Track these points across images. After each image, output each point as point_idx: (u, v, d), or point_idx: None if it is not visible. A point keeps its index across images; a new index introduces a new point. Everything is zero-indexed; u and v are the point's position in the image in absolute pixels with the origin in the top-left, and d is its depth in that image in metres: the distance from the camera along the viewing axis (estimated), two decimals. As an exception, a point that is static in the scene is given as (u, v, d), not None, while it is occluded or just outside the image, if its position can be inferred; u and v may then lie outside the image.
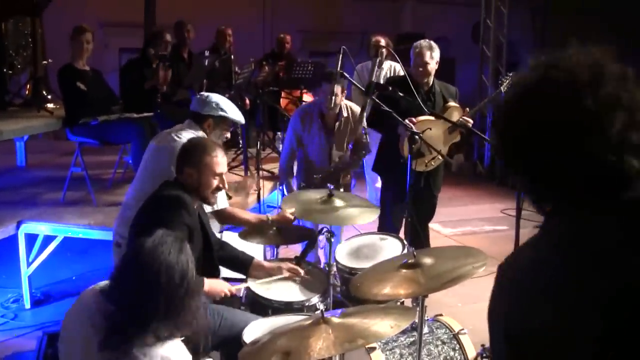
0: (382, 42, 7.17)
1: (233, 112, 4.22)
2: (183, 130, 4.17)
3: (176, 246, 2.35)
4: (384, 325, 2.43)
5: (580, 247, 1.28)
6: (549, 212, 1.43)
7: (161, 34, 6.91)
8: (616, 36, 8.09)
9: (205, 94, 4.33)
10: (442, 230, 7.79)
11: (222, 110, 4.16)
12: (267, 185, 6.48)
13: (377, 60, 5.40)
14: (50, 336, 4.56)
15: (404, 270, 3.05)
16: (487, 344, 3.53)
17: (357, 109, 5.36)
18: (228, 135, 4.39)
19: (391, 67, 6.88)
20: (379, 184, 7.52)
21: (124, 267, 2.36)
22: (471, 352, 3.58)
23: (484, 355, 3.52)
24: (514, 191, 9.86)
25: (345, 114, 5.42)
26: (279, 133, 8.35)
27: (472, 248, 3.26)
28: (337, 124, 5.38)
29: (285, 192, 5.66)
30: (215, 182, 3.47)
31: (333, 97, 5.20)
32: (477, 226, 8.27)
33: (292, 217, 4.13)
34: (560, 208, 1.41)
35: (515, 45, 11.49)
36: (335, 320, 2.52)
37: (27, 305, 5.41)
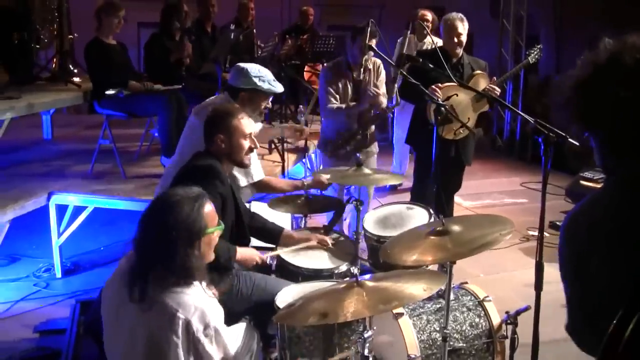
0: (429, 16, 7.19)
1: (267, 83, 4.11)
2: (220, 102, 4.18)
3: (194, 201, 2.50)
4: (417, 288, 2.50)
5: None
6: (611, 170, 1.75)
7: (179, 6, 6.90)
8: (636, 7, 8.05)
9: (242, 65, 4.20)
10: (462, 202, 7.81)
11: (255, 82, 4.07)
12: (290, 157, 6.53)
13: (407, 33, 5.43)
14: (83, 304, 4.72)
15: (432, 237, 3.11)
16: (511, 311, 3.61)
17: (379, 62, 5.40)
18: (267, 105, 4.30)
19: (432, 43, 6.88)
20: (405, 158, 7.61)
21: (144, 220, 2.53)
22: (496, 318, 3.65)
23: (508, 321, 3.59)
24: (533, 165, 9.99)
25: (370, 67, 5.41)
26: (301, 106, 8.36)
27: (499, 216, 3.30)
28: (363, 76, 5.38)
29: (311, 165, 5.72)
30: (246, 144, 3.53)
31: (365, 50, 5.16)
32: (497, 199, 8.28)
33: (326, 181, 4.19)
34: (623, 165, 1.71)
35: (534, 18, 11.40)
36: (369, 283, 2.59)
37: (58, 275, 5.53)
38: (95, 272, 5.67)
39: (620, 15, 9.22)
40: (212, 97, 4.37)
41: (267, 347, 3.79)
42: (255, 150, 3.67)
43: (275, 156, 6.43)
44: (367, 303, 2.44)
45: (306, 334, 3.11)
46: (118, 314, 2.51)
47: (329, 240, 3.90)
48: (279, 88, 4.19)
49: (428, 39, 6.96)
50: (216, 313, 2.45)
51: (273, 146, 6.59)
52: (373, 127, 5.53)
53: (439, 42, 6.54)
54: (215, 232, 2.58)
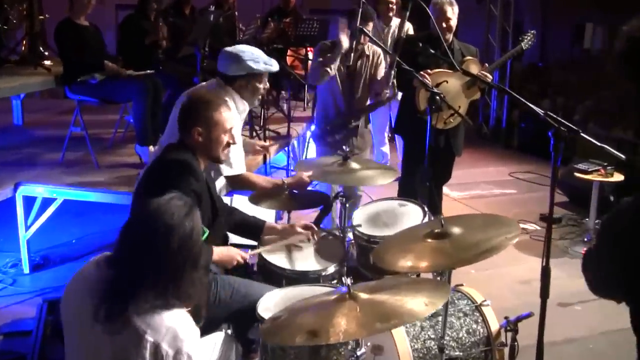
0: None
1: (262, 63, 3.83)
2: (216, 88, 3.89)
3: (183, 210, 2.19)
4: (418, 303, 2.21)
5: None
6: None
7: None
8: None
9: (230, 49, 3.90)
10: (450, 193, 7.58)
11: (250, 66, 3.79)
12: (272, 146, 6.25)
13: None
14: (51, 303, 4.39)
15: (430, 240, 2.85)
16: (510, 315, 3.37)
17: (379, 52, 5.10)
18: (265, 87, 4.02)
19: (399, 25, 6.60)
20: (385, 148, 7.36)
21: (126, 227, 2.22)
22: (494, 324, 3.41)
23: (508, 328, 3.35)
24: (520, 154, 9.81)
25: (368, 54, 5.12)
26: (283, 92, 8.09)
27: (502, 217, 3.06)
28: (358, 62, 5.08)
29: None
30: (225, 139, 3.25)
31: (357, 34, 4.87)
32: (485, 189, 8.10)
33: (308, 180, 3.92)
34: None
35: (520, 4, 11.18)
36: (362, 295, 2.31)
37: (26, 270, 5.23)
38: (66, 267, 5.39)
39: (606, 2, 9.03)
40: (205, 83, 4.05)
41: (248, 353, 3.57)
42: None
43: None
44: (361, 320, 2.16)
45: (291, 347, 2.82)
46: (81, 330, 2.21)
47: (315, 228, 3.62)
48: (275, 66, 3.94)
49: (394, 21, 6.70)
50: (190, 336, 2.14)
51: (255, 134, 6.30)
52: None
53: (407, 24, 6.30)
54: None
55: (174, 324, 2.09)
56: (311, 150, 7.26)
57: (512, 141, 10.49)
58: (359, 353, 2.31)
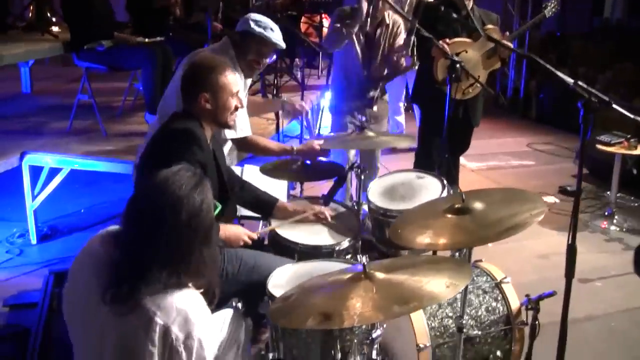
0: None
1: (276, 37, 3.76)
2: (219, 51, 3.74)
3: (191, 181, 2.03)
4: (439, 284, 2.06)
5: None
6: None
7: None
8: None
9: (255, 15, 3.80)
10: (467, 164, 7.41)
11: (265, 34, 3.70)
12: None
13: None
14: (57, 275, 4.32)
15: (450, 216, 2.70)
16: (530, 293, 3.23)
17: (399, 22, 4.90)
18: (264, 62, 3.91)
19: None
20: (401, 117, 7.20)
21: (131, 202, 2.06)
22: (514, 302, 3.28)
23: (529, 306, 3.21)
24: (539, 124, 9.61)
25: (388, 22, 4.92)
26: (297, 60, 7.91)
27: (527, 192, 2.90)
28: (377, 31, 4.90)
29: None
30: (233, 102, 3.10)
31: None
32: (503, 160, 7.92)
33: (318, 147, 3.77)
34: None
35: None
36: (379, 275, 2.16)
37: (34, 241, 5.12)
38: (74, 237, 5.28)
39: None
40: (212, 45, 3.89)
41: (258, 328, 3.45)
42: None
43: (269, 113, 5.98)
44: (378, 303, 2.02)
45: (303, 324, 2.69)
46: (85, 310, 2.07)
47: (328, 212, 3.46)
48: (283, 45, 3.84)
49: None
50: (202, 319, 1.99)
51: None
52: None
53: None
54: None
55: (186, 306, 1.95)
56: (325, 119, 7.09)
57: (530, 112, 10.29)
58: (374, 335, 2.17)
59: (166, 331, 1.91)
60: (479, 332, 3.14)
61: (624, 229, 5.74)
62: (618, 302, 4.51)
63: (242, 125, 3.70)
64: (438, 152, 4.91)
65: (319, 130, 7.06)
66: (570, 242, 2.79)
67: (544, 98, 9.98)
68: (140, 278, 1.93)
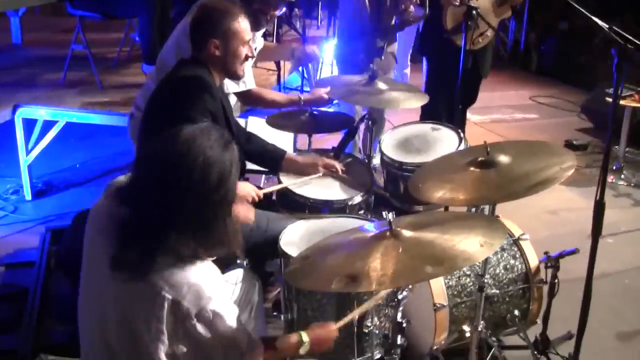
0: None
1: None
2: None
3: (221, 143, 1.82)
4: (472, 243, 1.91)
5: None
6: None
7: None
8: None
9: None
10: (470, 117, 7.21)
11: None
12: (286, 65, 5.90)
13: None
14: (54, 232, 4.19)
15: (474, 169, 2.54)
16: (543, 249, 3.11)
17: None
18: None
19: None
20: (407, 70, 6.99)
21: (147, 157, 1.84)
22: (533, 260, 3.15)
23: (548, 264, 3.09)
24: (540, 77, 9.43)
25: None
26: (296, 10, 7.66)
27: (554, 145, 2.74)
28: None
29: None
30: (244, 51, 2.91)
31: None
32: (506, 114, 7.75)
33: (326, 96, 3.59)
34: None
35: None
36: (406, 233, 2.00)
37: (28, 197, 4.95)
38: (70, 193, 5.12)
39: None
40: None
41: (265, 287, 3.33)
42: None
43: (270, 63, 5.79)
44: (407, 263, 1.86)
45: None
46: (92, 273, 1.92)
47: (338, 166, 3.30)
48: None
49: None
50: (216, 293, 1.80)
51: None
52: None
53: None
54: None
55: (198, 280, 1.76)
56: (326, 71, 6.89)
57: (530, 64, 10.08)
58: (400, 297, 2.03)
59: (176, 305, 1.73)
60: (497, 291, 3.03)
61: (632, 184, 5.61)
62: (630, 258, 4.40)
63: (245, 77, 3.51)
64: (445, 105, 4.76)
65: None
66: (598, 198, 2.66)
67: (546, 50, 9.78)
68: (155, 247, 1.73)
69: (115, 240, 1.78)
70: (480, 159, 2.55)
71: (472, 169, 2.55)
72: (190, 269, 1.76)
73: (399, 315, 2.05)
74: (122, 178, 1.92)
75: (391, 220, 2.00)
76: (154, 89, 3.01)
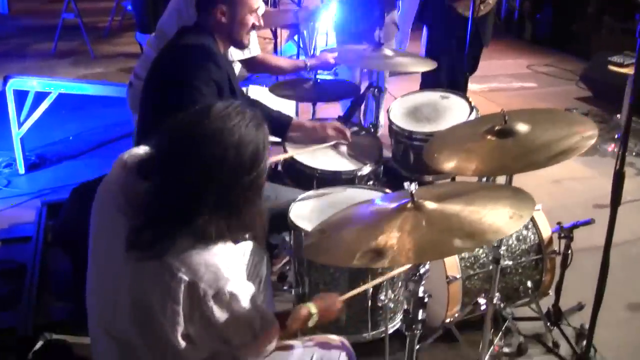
0: None
1: None
2: None
3: (255, 122, 1.71)
4: (500, 215, 1.81)
5: None
6: None
7: None
8: None
9: None
10: (469, 86, 7.12)
11: None
12: (282, 34, 5.78)
13: None
14: (50, 206, 4.07)
15: (492, 138, 2.45)
16: (564, 222, 3.03)
17: None
18: None
19: None
20: (406, 40, 6.90)
21: (176, 131, 1.70)
22: (546, 230, 3.08)
23: (561, 234, 3.02)
24: (536, 46, 9.33)
25: None
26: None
27: (574, 114, 2.66)
28: None
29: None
30: (251, 20, 2.79)
31: None
32: (504, 82, 7.64)
33: (333, 61, 3.48)
34: None
35: None
36: (429, 205, 1.91)
37: (22, 170, 4.83)
38: (64, 166, 5.00)
39: None
40: None
41: (270, 259, 3.24)
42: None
43: (266, 32, 5.66)
44: (434, 237, 1.76)
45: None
46: (102, 246, 1.81)
47: (347, 132, 3.20)
48: None
49: None
50: (235, 274, 1.71)
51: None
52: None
53: None
54: None
55: (216, 261, 1.66)
56: (321, 41, 6.76)
57: (524, 33, 9.97)
58: (422, 271, 1.94)
59: (192, 286, 1.63)
60: (510, 263, 2.96)
61: (634, 153, 5.53)
62: (637, 228, 4.33)
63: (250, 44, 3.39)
64: (445, 74, 4.66)
65: (313, 51, 6.75)
66: (618, 167, 2.58)
67: (541, 19, 9.66)
68: (178, 227, 1.63)
69: (133, 217, 1.66)
70: (497, 127, 2.45)
71: (489, 137, 2.45)
72: (210, 250, 1.66)
73: (421, 289, 1.96)
74: (137, 150, 1.81)
75: (413, 192, 1.90)
76: (154, 57, 2.89)
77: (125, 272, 1.68)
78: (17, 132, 4.74)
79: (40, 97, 4.75)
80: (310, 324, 2.01)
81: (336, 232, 2.02)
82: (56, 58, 5.19)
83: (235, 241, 1.74)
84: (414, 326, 2.03)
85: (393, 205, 1.97)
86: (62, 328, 3.02)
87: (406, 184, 1.92)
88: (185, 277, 1.62)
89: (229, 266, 1.68)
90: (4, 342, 3.01)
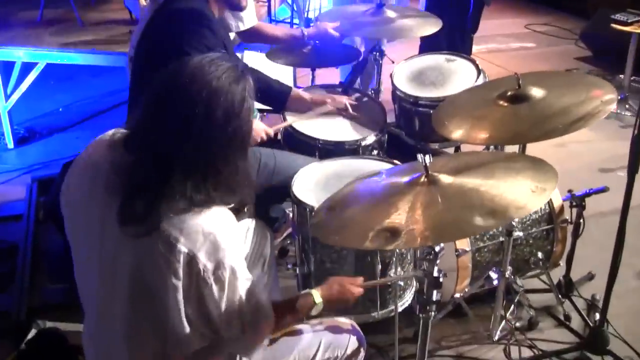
0: None
1: None
2: None
3: (232, 74, 1.58)
4: (521, 190, 1.69)
5: None
6: None
7: None
8: None
9: None
10: (466, 47, 6.98)
11: None
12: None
13: None
14: (41, 182, 3.94)
15: (504, 104, 2.31)
16: (575, 190, 2.92)
17: None
18: None
19: None
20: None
21: (149, 94, 1.61)
22: (557, 199, 2.95)
23: (573, 203, 2.90)
24: (534, 4, 9.13)
25: None
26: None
27: (591, 76, 2.52)
28: None
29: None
30: None
31: None
32: (502, 43, 7.47)
33: (335, 33, 3.31)
34: None
35: None
36: (444, 179, 1.78)
37: (10, 145, 4.69)
38: (55, 139, 4.86)
39: None
40: None
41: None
42: None
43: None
44: (452, 214, 1.64)
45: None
46: (91, 232, 1.67)
47: (348, 102, 3.06)
48: None
49: None
50: (233, 244, 1.61)
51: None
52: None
53: None
54: None
55: (214, 228, 1.55)
56: (313, 2, 6.56)
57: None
58: (437, 249, 1.82)
59: (191, 260, 1.53)
60: (520, 234, 2.83)
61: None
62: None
63: (247, 13, 3.22)
64: (445, 34, 4.51)
65: (307, 13, 6.54)
66: (636, 132, 2.45)
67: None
68: (159, 191, 1.53)
69: (120, 191, 1.56)
70: (510, 92, 2.32)
71: (501, 103, 2.32)
72: (205, 214, 1.56)
73: (436, 269, 1.84)
74: (120, 131, 1.71)
75: (427, 164, 1.77)
76: (144, 25, 2.73)
77: (122, 252, 1.58)
78: (4, 105, 4.60)
79: (27, 67, 4.59)
80: (314, 312, 1.88)
81: (345, 209, 1.90)
82: (43, 26, 5.00)
83: (227, 204, 1.63)
84: (428, 307, 1.91)
85: (405, 179, 1.84)
86: (58, 311, 2.92)
87: (419, 156, 1.79)
88: (184, 249, 1.52)
89: (227, 234, 1.58)
90: (-1, 327, 2.91)
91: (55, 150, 4.57)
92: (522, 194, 1.67)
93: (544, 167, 1.81)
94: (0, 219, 3.74)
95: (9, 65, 4.56)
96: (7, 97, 4.59)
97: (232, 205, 1.68)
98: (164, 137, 1.54)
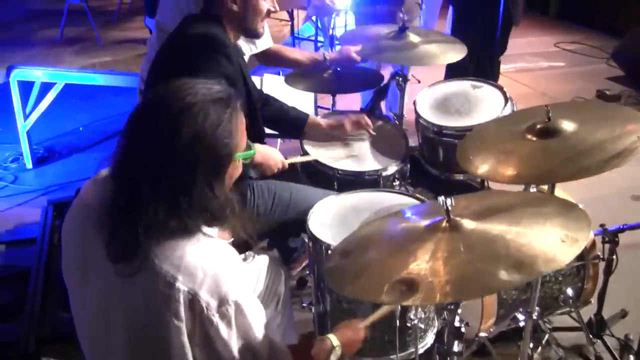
0: None
1: None
2: None
3: (213, 94, 1.53)
4: (551, 238, 1.55)
5: None
6: None
7: None
8: None
9: None
10: (494, 68, 6.84)
11: None
12: (299, 15, 5.53)
13: None
14: (57, 205, 3.89)
15: (533, 139, 2.17)
16: (606, 221, 2.77)
17: None
18: None
19: None
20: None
21: (128, 123, 1.55)
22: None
23: (605, 238, 2.75)
24: (561, 22, 8.98)
25: None
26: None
27: (624, 107, 2.37)
28: None
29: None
30: (266, 5, 2.54)
31: None
32: (531, 62, 7.33)
33: (357, 57, 3.21)
34: None
35: None
36: (467, 224, 1.65)
37: (29, 165, 4.67)
38: (74, 158, 4.84)
39: None
40: None
41: (288, 263, 3.09)
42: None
43: (282, 13, 5.42)
44: (474, 266, 1.50)
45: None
46: (86, 272, 1.59)
47: (368, 121, 2.95)
48: None
49: None
50: (236, 278, 1.51)
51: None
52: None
53: None
54: (242, 159, 1.62)
55: (213, 262, 1.47)
56: (339, 20, 6.49)
57: (550, 8, 9.61)
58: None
59: (193, 299, 1.44)
60: (550, 271, 2.68)
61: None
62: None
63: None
64: (471, 57, 4.40)
65: (332, 31, 6.47)
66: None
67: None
68: (137, 217, 1.45)
69: (108, 224, 1.50)
70: (539, 125, 2.18)
71: (529, 137, 2.18)
72: (200, 248, 1.48)
73: (457, 319, 1.72)
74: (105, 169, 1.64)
75: (449, 207, 1.65)
76: (157, 51, 2.65)
77: (117, 294, 1.51)
78: (23, 125, 4.58)
79: (46, 86, 4.58)
80: (333, 357, 1.79)
81: (360, 254, 1.78)
82: (63, 45, 5.00)
83: (207, 230, 1.54)
84: (448, 358, 1.79)
85: (425, 222, 1.72)
86: (67, 343, 2.83)
87: (440, 199, 1.67)
88: (184, 287, 1.44)
89: (228, 268, 1.51)
90: (6, 358, 2.84)
91: (74, 170, 4.56)
92: (551, 244, 1.53)
93: (575, 213, 1.68)
94: (14, 243, 3.71)
95: (28, 85, 4.55)
96: (26, 116, 4.57)
97: (233, 239, 1.61)
98: (135, 157, 1.49)
